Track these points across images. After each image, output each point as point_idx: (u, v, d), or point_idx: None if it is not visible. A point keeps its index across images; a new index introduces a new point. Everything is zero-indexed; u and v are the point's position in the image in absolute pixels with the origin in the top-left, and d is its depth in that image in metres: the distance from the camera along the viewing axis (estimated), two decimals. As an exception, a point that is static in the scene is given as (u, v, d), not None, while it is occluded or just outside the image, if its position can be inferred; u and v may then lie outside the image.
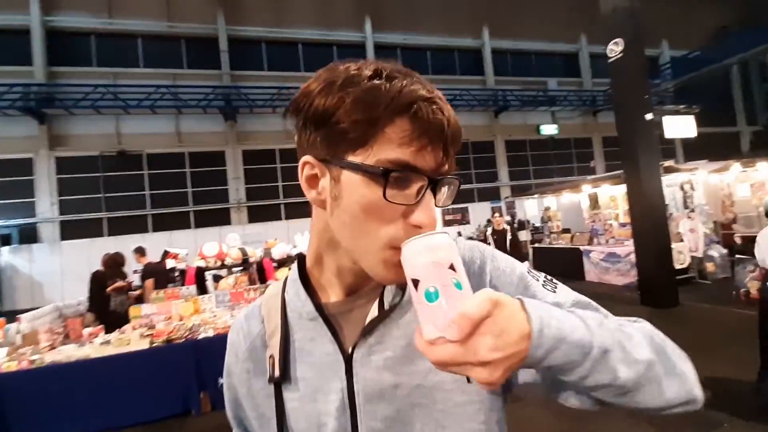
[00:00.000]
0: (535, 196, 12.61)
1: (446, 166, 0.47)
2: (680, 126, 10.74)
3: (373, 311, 0.53)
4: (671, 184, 7.18)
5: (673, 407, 0.46)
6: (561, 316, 0.40)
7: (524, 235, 11.23)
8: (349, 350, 0.52)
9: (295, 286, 0.57)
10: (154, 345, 3.75)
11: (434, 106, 0.45)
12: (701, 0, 20.61)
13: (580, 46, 19.74)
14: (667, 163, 7.10)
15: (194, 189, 13.74)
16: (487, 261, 0.57)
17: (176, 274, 5.66)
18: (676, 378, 0.45)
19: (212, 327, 3.99)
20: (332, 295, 0.56)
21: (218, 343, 3.71)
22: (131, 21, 13.35)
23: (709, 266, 6.79)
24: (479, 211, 16.34)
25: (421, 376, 0.51)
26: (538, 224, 13.10)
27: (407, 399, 0.51)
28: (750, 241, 7.44)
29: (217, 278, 5.72)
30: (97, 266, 5.56)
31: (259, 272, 5.40)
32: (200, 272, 5.24)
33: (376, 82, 0.45)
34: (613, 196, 8.56)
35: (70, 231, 12.29)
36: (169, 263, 5.77)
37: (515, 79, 18.36)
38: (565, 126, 18.46)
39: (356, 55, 13.34)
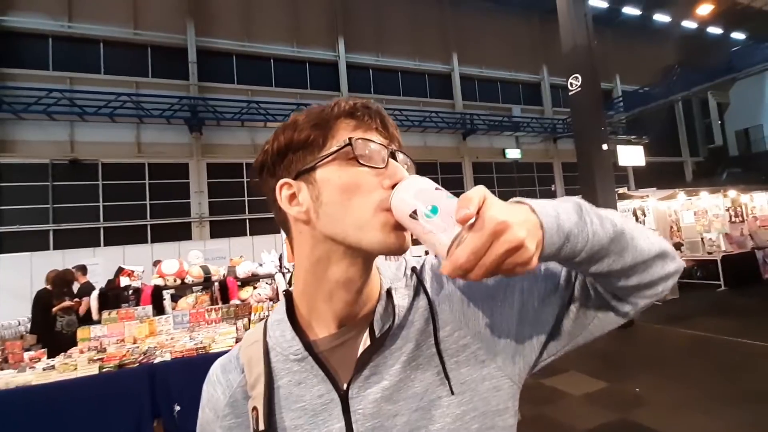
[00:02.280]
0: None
1: (396, 144, 0.55)
2: (631, 155, 11.51)
3: (365, 341, 0.52)
4: (626, 210, 7.63)
5: (655, 263, 0.49)
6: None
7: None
8: (344, 387, 0.51)
9: (280, 327, 0.55)
10: (104, 370, 3.48)
11: (370, 106, 0.54)
12: (650, 40, 22.52)
13: (542, 76, 20.93)
14: (622, 190, 7.56)
15: (153, 202, 13.12)
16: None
17: (130, 292, 5.33)
18: (647, 235, 0.51)
19: (169, 350, 3.77)
20: (322, 330, 0.54)
21: (175, 367, 3.49)
22: (93, 26, 12.84)
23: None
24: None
25: (418, 398, 0.50)
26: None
27: (407, 425, 0.50)
28: (698, 264, 8.10)
29: (175, 298, 5.44)
30: (40, 283, 5.15)
31: (222, 291, 5.19)
32: (157, 291, 4.96)
33: (320, 106, 0.55)
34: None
35: (9, 244, 11.35)
36: (124, 281, 5.43)
37: (482, 104, 19.16)
38: (528, 151, 19.33)
39: (329, 73, 13.50)
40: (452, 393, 0.51)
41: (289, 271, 5.56)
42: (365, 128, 0.52)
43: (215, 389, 0.58)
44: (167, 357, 3.67)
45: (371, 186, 0.49)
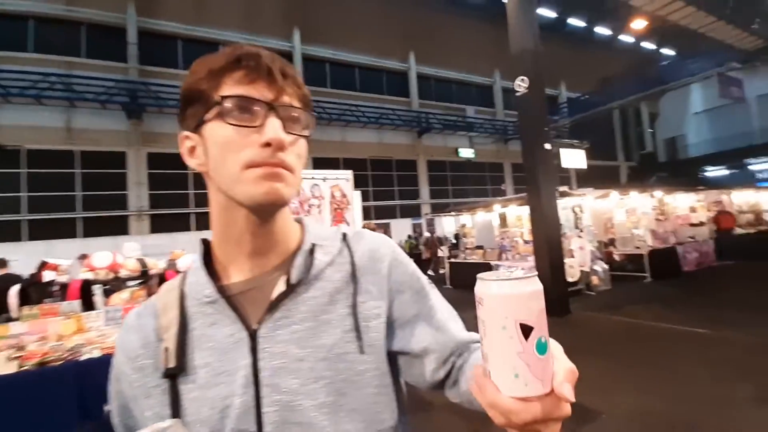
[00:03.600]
0: (453, 214, 13.35)
1: (286, 98, 0.53)
2: (574, 158, 12.27)
3: (280, 287, 0.55)
4: (565, 207, 8.11)
5: None
6: None
7: (443, 251, 11.76)
8: (255, 327, 0.53)
9: (196, 273, 0.58)
10: (23, 368, 3.16)
11: (261, 55, 0.53)
12: (592, 51, 24.09)
13: (494, 79, 21.74)
14: (562, 189, 8.02)
15: (85, 193, 12.10)
16: (389, 251, 0.63)
17: (55, 287, 4.88)
18: None
19: (99, 347, 3.49)
20: (237, 275, 0.57)
21: (106, 365, 3.22)
22: (22, 0, 11.60)
23: (594, 279, 7.74)
24: (400, 228, 16.83)
25: (326, 349, 0.53)
26: (454, 240, 13.84)
27: (311, 372, 0.52)
28: (628, 258, 8.80)
29: (108, 293, 5.05)
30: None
31: (160, 285, 4.88)
32: (87, 286, 4.58)
33: (218, 53, 0.54)
34: (519, 216, 9.41)
35: None
36: (48, 275, 4.96)
37: (437, 103, 19.56)
38: (480, 151, 20.02)
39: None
40: (362, 352, 0.55)
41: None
42: (251, 80, 0.52)
43: (128, 333, 0.58)
44: (96, 354, 3.40)
45: (243, 144, 0.50)
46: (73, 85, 11.51)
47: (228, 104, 0.50)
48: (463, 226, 11.53)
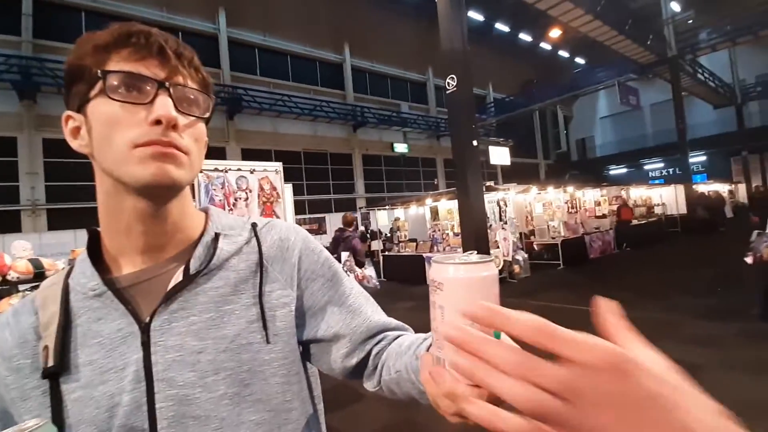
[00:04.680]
0: (387, 207, 13.54)
1: (180, 78, 0.50)
2: (499, 155, 13.07)
3: (177, 277, 0.52)
4: (491, 201, 8.62)
5: None
6: None
7: (376, 244, 11.89)
8: (147, 320, 0.50)
9: (81, 265, 0.53)
10: None
11: (152, 33, 0.49)
12: (516, 56, 25.77)
13: (427, 76, 22.33)
14: (488, 184, 8.50)
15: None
16: (300, 240, 0.62)
17: None
18: None
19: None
20: (127, 266, 0.53)
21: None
22: None
23: (516, 268, 8.34)
24: (336, 222, 16.70)
25: (228, 340, 0.51)
26: (388, 234, 14.05)
27: (211, 364, 0.50)
28: (545, 247, 9.67)
29: (-7, 299, 4.37)
30: None
31: (60, 288, 4.34)
32: (-37, 291, 3.92)
33: (106, 29, 0.50)
34: (450, 209, 9.81)
35: None
36: None
37: (372, 97, 19.63)
38: (414, 146, 20.50)
39: (207, 46, 12.28)
40: (267, 341, 0.53)
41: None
42: (140, 57, 0.48)
43: (3, 332, 0.53)
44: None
45: (130, 122, 0.47)
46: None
47: (113, 80, 0.47)
48: (397, 219, 11.75)
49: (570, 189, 10.96)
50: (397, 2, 19.97)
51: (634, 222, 12.22)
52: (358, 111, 18.21)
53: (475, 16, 21.32)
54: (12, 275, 4.27)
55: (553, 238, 9.49)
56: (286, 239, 0.61)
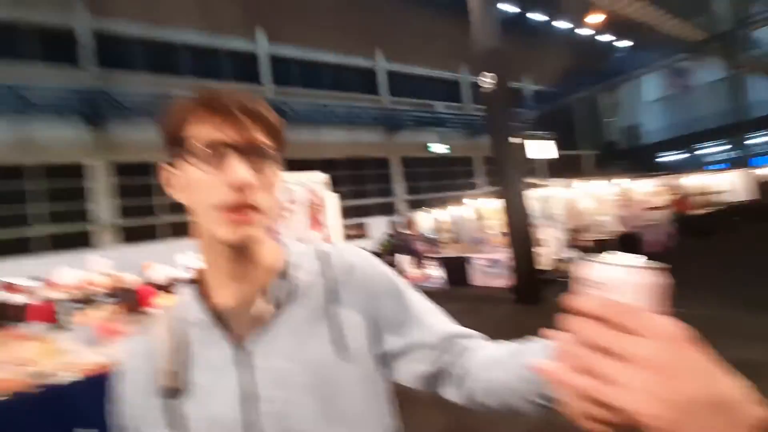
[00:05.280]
0: (428, 210, 13.52)
1: (252, 137, 0.55)
2: (540, 149, 12.68)
3: (264, 306, 0.59)
4: (534, 198, 8.40)
5: None
6: None
7: (418, 247, 11.89)
8: (245, 345, 0.57)
9: (187, 296, 0.62)
10: (-11, 398, 3.01)
11: (226, 94, 0.55)
12: (553, 45, 24.85)
13: (461, 74, 22.07)
14: (530, 180, 8.29)
15: (43, 207, 11.44)
16: (364, 262, 0.68)
17: (17, 309, 4.65)
18: None
19: (70, 369, 3.36)
20: (224, 296, 0.60)
21: (78, 387, 3.13)
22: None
23: (566, 266, 8.05)
24: (378, 226, 16.88)
25: (312, 361, 0.57)
26: (432, 236, 14.00)
27: (301, 383, 0.56)
28: (596, 243, 9.23)
29: (78, 311, 4.86)
30: None
31: (134, 300, 4.75)
32: (52, 305, 4.40)
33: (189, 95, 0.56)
34: (493, 209, 9.65)
35: None
36: (11, 297, 4.72)
37: (407, 100, 19.67)
38: (452, 146, 20.28)
39: (248, 65, 12.79)
40: (345, 360, 0.59)
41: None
42: (217, 122, 0.54)
43: (126, 358, 0.63)
44: (68, 377, 3.28)
45: (211, 186, 0.53)
46: (24, 93, 10.84)
47: (193, 146, 0.54)
48: (439, 221, 11.71)
49: (619, 180, 10.43)
50: (427, 2, 19.89)
51: (692, 212, 11.41)
52: (393, 114, 18.34)
53: (509, 8, 20.80)
54: (93, 289, 4.74)
55: (604, 233, 9.07)
56: (355, 264, 0.66)
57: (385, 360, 0.64)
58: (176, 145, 0.55)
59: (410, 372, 0.64)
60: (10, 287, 4.81)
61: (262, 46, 15.64)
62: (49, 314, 4.30)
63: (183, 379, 0.57)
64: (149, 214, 12.71)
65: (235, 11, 15.07)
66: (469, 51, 7.18)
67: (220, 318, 0.59)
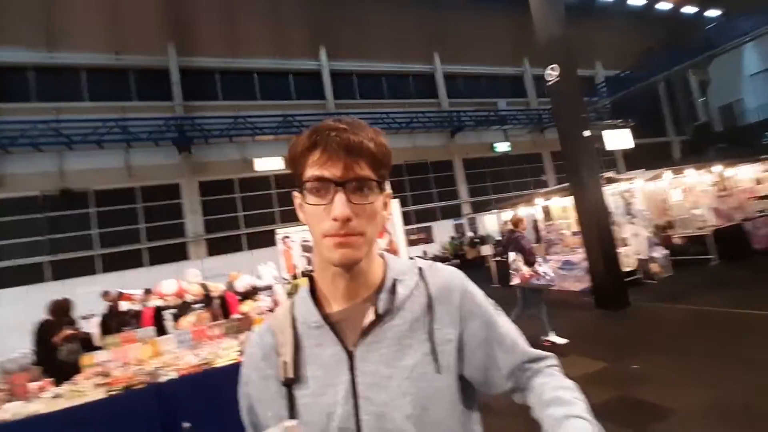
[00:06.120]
0: (494, 211, 13.09)
1: (353, 173, 0.62)
2: (618, 139, 11.66)
3: (370, 316, 0.66)
4: (613, 193, 7.74)
5: None
6: None
7: (487, 249, 11.57)
8: (352, 349, 0.65)
9: (304, 302, 0.71)
10: (111, 393, 3.50)
11: (333, 133, 0.62)
12: (627, 25, 22.79)
13: (524, 68, 21.12)
14: (608, 174, 7.66)
15: (147, 225, 13.13)
16: (460, 283, 0.74)
17: (131, 316, 5.36)
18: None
19: (174, 369, 3.79)
20: (335, 304, 0.69)
21: (182, 385, 3.51)
22: (74, 53, 12.86)
23: (654, 267, 7.30)
24: (442, 230, 16.71)
25: (409, 369, 0.64)
26: (498, 238, 13.54)
27: (399, 388, 0.63)
28: (690, 241, 8.21)
29: (176, 317, 5.46)
30: (39, 315, 5.16)
31: (222, 307, 5.23)
32: (158, 312, 4.99)
33: (303, 134, 0.66)
34: (565, 207, 9.08)
35: (6, 279, 11.29)
36: (123, 305, 5.46)
37: (467, 100, 19.28)
38: (516, 143, 19.45)
39: (312, 82, 13.51)
40: (438, 372, 0.65)
41: (287, 281, 5.61)
42: (324, 161, 0.62)
43: (254, 349, 0.74)
44: (173, 375, 3.69)
45: (320, 217, 0.63)
46: (129, 127, 12.55)
47: (306, 184, 0.64)
48: (506, 223, 11.27)
49: (717, 167, 9.20)
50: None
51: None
52: (454, 116, 18.08)
53: (573, -8, 19.49)
54: (188, 297, 5.29)
55: (700, 228, 8.06)
56: (449, 282, 0.73)
57: (470, 376, 0.71)
58: (296, 180, 0.66)
59: (494, 387, 0.73)
60: (126, 297, 5.56)
61: (324, 63, 16.39)
62: (156, 320, 4.89)
63: (300, 372, 0.66)
64: (233, 227, 13.95)
65: (303, 33, 16.07)
66: (532, 42, 6.86)
67: (332, 324, 0.68)
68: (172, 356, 4.17)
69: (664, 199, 9.15)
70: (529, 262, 5.06)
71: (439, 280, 0.73)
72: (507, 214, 11.98)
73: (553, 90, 6.40)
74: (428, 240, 16.32)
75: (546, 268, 5.06)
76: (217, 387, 3.41)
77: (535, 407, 0.70)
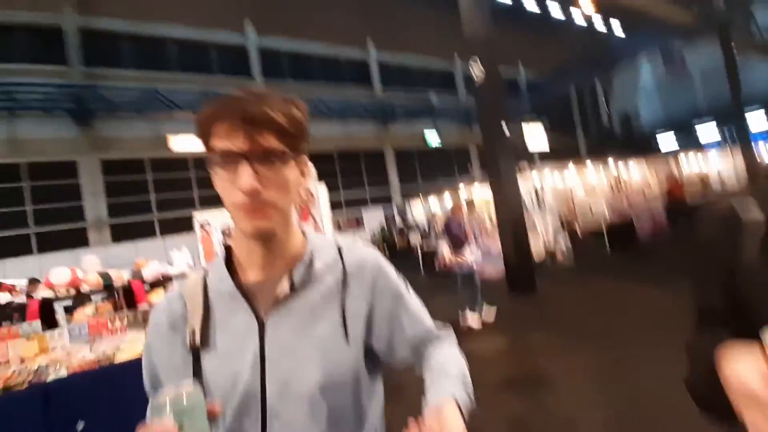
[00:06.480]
0: (421, 201, 13.53)
1: (257, 145, 0.61)
2: (536, 138, 12.65)
3: (285, 286, 0.68)
4: (527, 187, 8.42)
5: None
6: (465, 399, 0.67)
7: (415, 238, 11.92)
8: (263, 318, 0.67)
9: (218, 270, 0.71)
10: (-16, 396, 3.03)
11: (236, 104, 0.61)
12: (549, 35, 24.64)
13: (455, 65, 21.91)
14: (522, 169, 8.29)
15: (36, 207, 11.41)
16: (374, 261, 0.78)
17: (12, 309, 4.67)
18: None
19: (65, 366, 3.38)
20: (251, 274, 0.70)
21: (73, 384, 3.16)
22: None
23: (558, 255, 8.12)
24: (373, 218, 16.91)
25: (319, 338, 0.67)
26: (426, 229, 14.02)
27: (306, 356, 0.66)
28: (588, 233, 9.26)
29: (71, 309, 4.87)
30: None
31: (126, 297, 4.76)
32: (47, 304, 4.41)
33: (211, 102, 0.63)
34: (486, 199, 9.66)
35: None
36: (3, 297, 4.73)
37: (401, 91, 19.54)
38: (446, 136, 20.21)
39: (238, 58, 12.65)
40: (347, 343, 0.68)
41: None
42: (229, 131, 0.61)
43: (160, 315, 0.72)
44: (63, 373, 3.30)
45: (229, 189, 0.62)
46: (14, 92, 10.74)
47: (212, 157, 0.63)
48: (434, 214, 11.73)
49: (613, 166, 10.43)
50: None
51: (689, 201, 11.42)
52: (387, 107, 18.24)
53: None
54: (84, 288, 4.74)
55: (598, 221, 9.10)
56: (364, 260, 0.76)
57: (377, 347, 0.75)
58: (206, 152, 0.64)
59: (397, 358, 0.77)
60: (7, 288, 4.81)
61: (251, 39, 15.44)
62: (45, 313, 4.31)
63: (208, 338, 0.67)
64: (143, 212, 12.66)
65: (223, 3, 14.88)
66: (461, 40, 7.12)
67: (245, 293, 0.68)
68: (62, 353, 3.72)
69: (569, 195, 10.17)
70: (459, 247, 5.33)
71: (356, 257, 0.76)
72: (434, 204, 12.47)
73: (478, 88, 6.71)
74: (359, 227, 16.42)
75: (473, 255, 5.37)
76: (117, 384, 3.13)
77: (424, 374, 0.75)
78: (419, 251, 10.64)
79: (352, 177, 17.50)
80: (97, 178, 12.16)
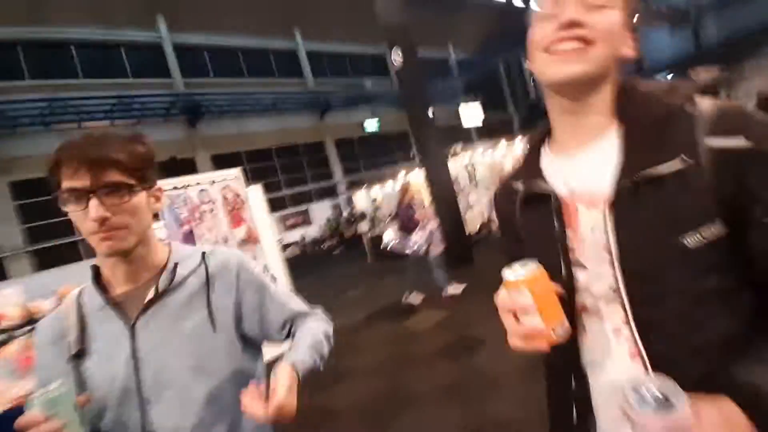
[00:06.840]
0: (364, 188, 13.62)
1: (101, 181, 0.72)
2: (471, 115, 13.14)
3: (151, 293, 0.80)
4: (460, 165, 8.80)
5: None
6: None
7: (363, 227, 12.06)
8: (134, 322, 0.78)
9: (89, 289, 0.82)
10: None
11: (75, 151, 0.72)
12: (474, 12, 25.29)
13: (386, 49, 21.92)
14: (453, 148, 8.65)
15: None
16: (236, 260, 0.92)
17: None
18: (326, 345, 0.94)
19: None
20: (118, 287, 0.82)
21: (3, 422, 3.00)
22: None
23: (494, 227, 8.63)
24: (320, 212, 16.80)
25: (189, 331, 0.80)
26: (371, 215, 14.17)
27: (177, 347, 0.78)
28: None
29: (-8, 347, 4.50)
30: None
31: (52, 327, 4.47)
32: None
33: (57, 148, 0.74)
34: (421, 181, 9.96)
35: None
36: None
37: (333, 79, 19.29)
38: (385, 122, 20.31)
39: (152, 57, 11.78)
40: (214, 332, 0.82)
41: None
42: (74, 171, 0.71)
43: (40, 335, 0.83)
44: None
45: (82, 221, 0.73)
46: None
47: (62, 197, 0.73)
48: (375, 200, 11.90)
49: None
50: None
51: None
52: (321, 96, 17.98)
53: (423, -22, 20.73)
54: (5, 323, 4.40)
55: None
56: (227, 261, 0.90)
57: (250, 331, 0.89)
58: (58, 192, 0.73)
59: (270, 337, 0.93)
60: None
61: (165, 35, 14.49)
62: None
63: (85, 347, 0.77)
64: (64, 235, 11.59)
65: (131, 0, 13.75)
66: (379, 25, 7.17)
67: (116, 303, 0.80)
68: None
69: (501, 169, 10.75)
70: (407, 229, 5.51)
71: (219, 260, 0.89)
72: (376, 191, 12.64)
73: (399, 73, 6.86)
74: (306, 222, 16.28)
75: (418, 237, 5.57)
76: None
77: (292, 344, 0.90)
78: (367, 238, 10.82)
79: (294, 173, 17.21)
80: (6, 203, 11.01)
